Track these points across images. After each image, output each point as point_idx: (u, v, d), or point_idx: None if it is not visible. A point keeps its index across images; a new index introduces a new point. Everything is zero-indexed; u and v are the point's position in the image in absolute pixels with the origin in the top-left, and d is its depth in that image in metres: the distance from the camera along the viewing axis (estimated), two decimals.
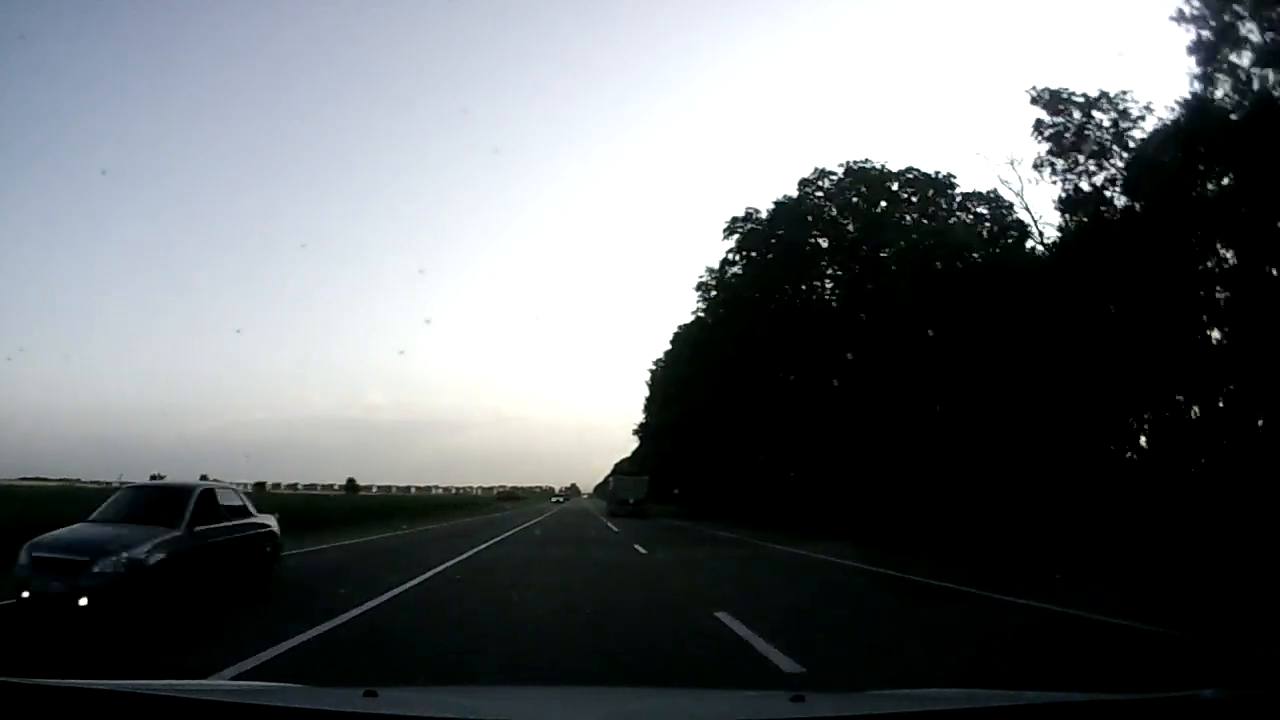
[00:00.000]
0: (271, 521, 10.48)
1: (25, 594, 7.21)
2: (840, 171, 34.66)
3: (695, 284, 42.08)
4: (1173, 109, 18.54)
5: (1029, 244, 25.03)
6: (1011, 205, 26.66)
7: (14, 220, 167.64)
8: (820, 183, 35.03)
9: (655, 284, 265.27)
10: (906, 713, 2.06)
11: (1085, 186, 20.94)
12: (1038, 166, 22.05)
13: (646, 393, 62.83)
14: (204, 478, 10.80)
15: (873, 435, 25.02)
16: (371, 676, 4.67)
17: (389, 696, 2.03)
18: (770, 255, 35.33)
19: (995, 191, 27.52)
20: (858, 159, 34.17)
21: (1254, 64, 16.66)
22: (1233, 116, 16.62)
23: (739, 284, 37.08)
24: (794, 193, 35.13)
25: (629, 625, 8.03)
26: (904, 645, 7.05)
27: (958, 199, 31.92)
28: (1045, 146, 21.73)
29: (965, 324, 20.61)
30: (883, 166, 33.91)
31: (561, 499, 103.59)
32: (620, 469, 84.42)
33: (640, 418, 66.62)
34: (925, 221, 31.33)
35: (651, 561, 16.10)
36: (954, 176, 32.20)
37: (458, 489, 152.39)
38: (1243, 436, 16.13)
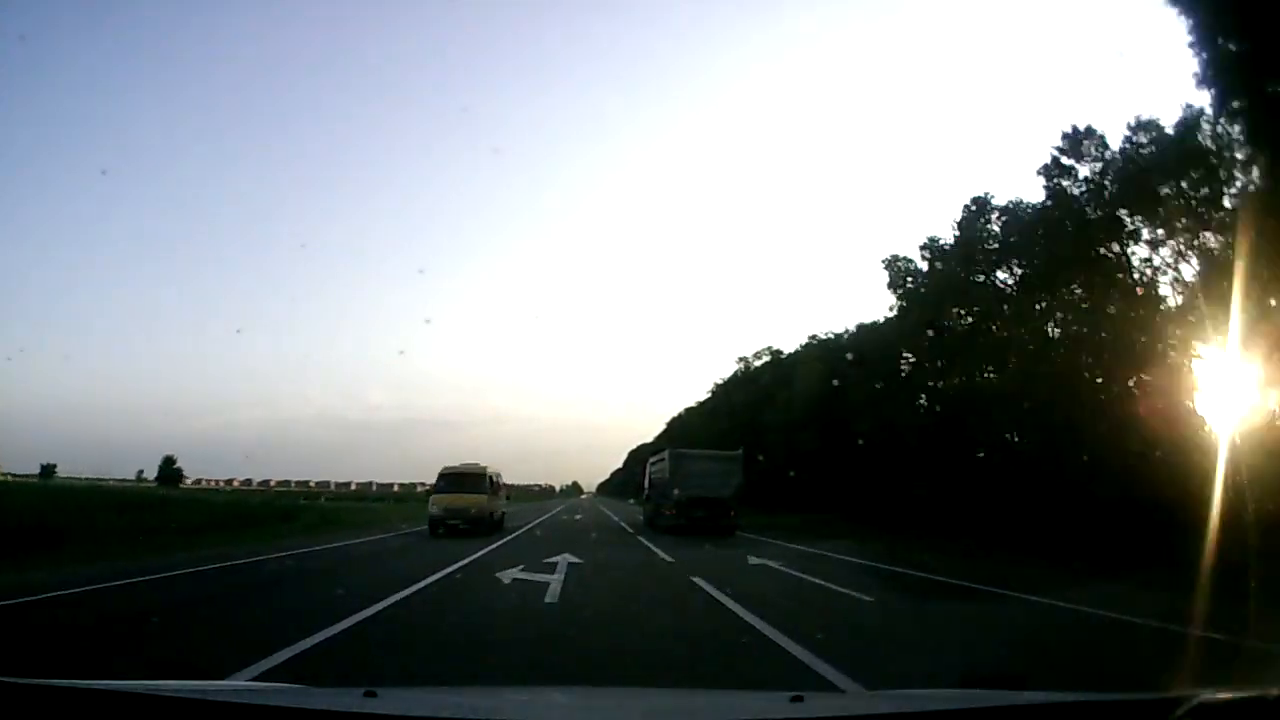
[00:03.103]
0: None
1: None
2: None
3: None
4: None
5: None
6: None
7: (14, 220, 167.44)
8: None
9: (655, 282, 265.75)
10: (906, 712, 2.06)
11: None
12: None
13: None
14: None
15: None
16: None
17: (389, 696, 2.03)
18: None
19: None
20: None
21: None
22: None
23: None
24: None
25: None
26: None
27: None
28: None
29: None
30: None
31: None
32: (654, 451, 41.95)
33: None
34: None
35: None
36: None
37: None
38: None
